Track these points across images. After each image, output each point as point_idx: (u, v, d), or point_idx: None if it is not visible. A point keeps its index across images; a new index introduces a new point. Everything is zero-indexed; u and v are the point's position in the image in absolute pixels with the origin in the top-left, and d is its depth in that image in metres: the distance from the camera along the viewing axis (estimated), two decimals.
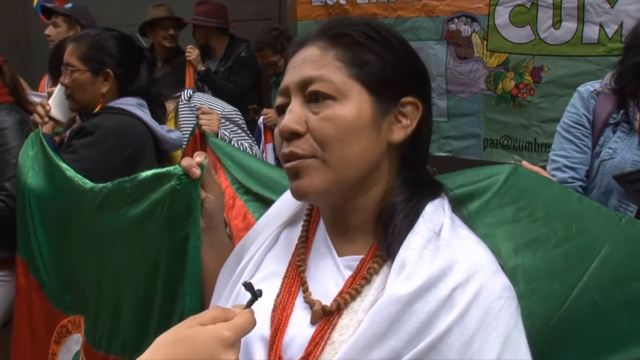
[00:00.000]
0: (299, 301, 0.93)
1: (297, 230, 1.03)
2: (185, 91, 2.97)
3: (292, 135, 0.89)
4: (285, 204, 1.08)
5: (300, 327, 0.90)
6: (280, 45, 3.97)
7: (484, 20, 3.22)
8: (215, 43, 4.36)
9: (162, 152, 2.16)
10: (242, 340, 0.84)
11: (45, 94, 2.67)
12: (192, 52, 4.05)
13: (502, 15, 3.16)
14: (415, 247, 0.86)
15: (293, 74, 0.93)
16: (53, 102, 2.10)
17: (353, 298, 0.88)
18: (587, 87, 1.91)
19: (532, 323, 0.85)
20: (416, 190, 0.93)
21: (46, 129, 2.03)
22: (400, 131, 0.92)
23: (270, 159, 3.69)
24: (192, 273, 1.14)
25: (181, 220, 1.14)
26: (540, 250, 1.04)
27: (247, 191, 1.46)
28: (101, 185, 1.35)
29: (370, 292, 0.88)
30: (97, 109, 2.05)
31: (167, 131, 2.18)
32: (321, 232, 0.99)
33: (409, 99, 0.93)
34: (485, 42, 3.25)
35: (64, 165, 1.53)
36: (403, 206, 0.91)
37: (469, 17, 3.28)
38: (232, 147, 1.67)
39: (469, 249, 0.87)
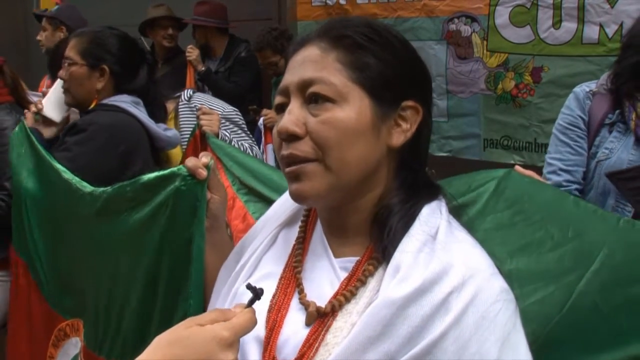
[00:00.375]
0: (295, 302, 0.93)
1: (295, 231, 1.03)
2: (186, 91, 2.97)
3: (291, 137, 0.89)
4: (284, 204, 1.08)
5: (294, 328, 0.90)
6: (280, 45, 3.97)
7: (484, 20, 3.22)
8: (215, 43, 4.36)
9: (158, 150, 2.16)
10: None
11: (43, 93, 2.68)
12: (192, 52, 4.06)
13: (502, 16, 3.16)
14: (410, 250, 0.85)
15: (293, 74, 0.92)
16: (47, 101, 2.11)
17: (348, 300, 0.88)
18: (583, 88, 1.91)
19: (528, 327, 0.85)
20: (413, 193, 0.93)
21: (29, 121, 2.01)
22: (399, 135, 0.92)
23: (271, 160, 3.68)
24: (196, 274, 1.14)
25: (185, 221, 1.13)
26: (535, 254, 1.04)
27: (248, 191, 1.46)
28: (101, 189, 1.33)
29: (365, 294, 0.87)
30: (91, 106, 2.06)
31: (164, 129, 2.18)
32: (318, 233, 0.99)
33: (409, 102, 0.92)
34: (485, 42, 3.25)
35: (59, 167, 1.50)
36: (399, 208, 0.91)
37: (469, 17, 3.28)
38: (232, 147, 1.67)
39: (466, 252, 0.87)
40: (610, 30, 2.83)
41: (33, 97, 2.66)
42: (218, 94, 3.81)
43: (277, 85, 4.11)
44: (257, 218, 1.34)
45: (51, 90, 2.14)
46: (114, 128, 1.98)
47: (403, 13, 3.48)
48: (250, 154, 2.44)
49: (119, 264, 1.30)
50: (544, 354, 0.92)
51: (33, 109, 2.09)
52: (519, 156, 3.21)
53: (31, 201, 1.65)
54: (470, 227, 0.95)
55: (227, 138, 2.23)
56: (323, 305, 0.89)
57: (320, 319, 0.88)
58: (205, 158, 1.13)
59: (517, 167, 1.18)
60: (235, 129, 2.81)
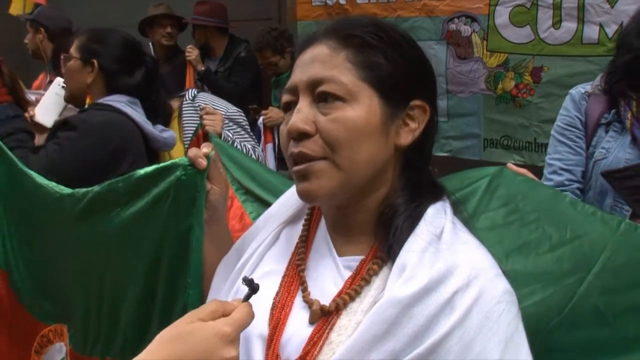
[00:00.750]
0: (298, 300, 0.93)
1: (298, 229, 1.02)
2: (190, 91, 2.97)
3: (301, 136, 0.89)
4: (287, 201, 1.08)
5: (298, 326, 0.90)
6: (280, 45, 3.97)
7: (484, 20, 3.22)
8: (215, 43, 4.36)
9: (153, 151, 2.15)
10: (241, 338, 0.84)
11: (42, 91, 2.68)
12: (192, 52, 4.06)
13: (502, 15, 3.15)
14: (416, 249, 0.86)
15: (302, 73, 0.92)
16: (40, 107, 2.14)
17: (352, 299, 0.88)
18: (579, 89, 1.92)
19: (528, 328, 0.85)
20: (418, 193, 0.93)
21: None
22: (407, 135, 0.92)
23: (270, 159, 3.68)
24: (194, 265, 1.14)
25: (185, 211, 1.13)
26: (532, 255, 1.03)
27: (246, 192, 1.46)
28: (84, 190, 1.30)
29: (369, 293, 0.88)
30: (86, 102, 2.08)
31: (161, 130, 2.17)
32: (322, 231, 0.99)
33: (417, 102, 0.92)
34: (485, 42, 3.25)
35: (32, 173, 1.45)
36: (404, 208, 0.91)
37: (469, 17, 3.28)
38: (234, 148, 1.67)
39: (470, 252, 0.87)
40: (610, 30, 2.83)
41: (31, 96, 2.67)
42: (217, 94, 3.80)
43: (276, 85, 4.13)
44: (255, 218, 1.34)
45: (44, 96, 2.17)
46: (105, 127, 1.98)
47: (403, 13, 3.47)
48: (253, 155, 2.44)
49: (110, 261, 1.28)
50: (544, 357, 0.92)
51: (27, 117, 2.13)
52: (519, 156, 3.21)
53: (6, 206, 1.59)
54: (471, 224, 0.95)
55: (230, 138, 2.23)
56: (327, 304, 0.89)
57: (324, 317, 0.88)
58: (205, 148, 1.13)
59: (510, 165, 1.17)
60: (239, 129, 2.81)
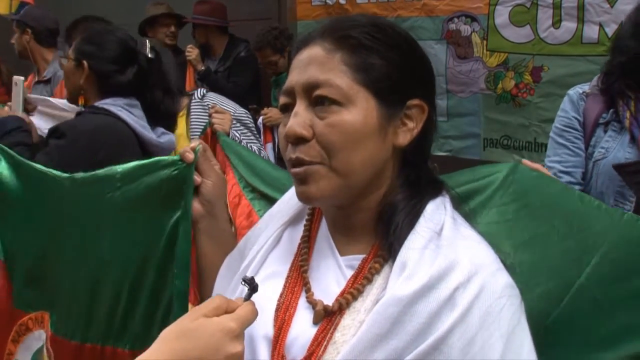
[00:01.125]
0: (302, 301, 0.94)
1: (300, 229, 1.03)
2: (199, 90, 2.98)
3: (298, 140, 0.89)
4: (288, 202, 1.08)
5: (303, 327, 0.91)
6: (280, 44, 3.97)
7: (484, 20, 3.22)
8: (215, 42, 4.36)
9: (150, 156, 2.14)
10: (247, 339, 0.84)
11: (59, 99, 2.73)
12: (192, 52, 4.05)
13: (502, 15, 3.15)
14: (416, 246, 0.86)
15: (299, 75, 0.91)
16: (36, 115, 2.25)
17: (355, 298, 0.88)
18: (577, 90, 1.92)
19: (529, 321, 0.86)
20: (417, 189, 0.93)
21: None
22: (406, 134, 0.92)
23: (270, 159, 3.68)
24: (181, 255, 1.17)
25: (174, 204, 1.18)
26: (539, 248, 1.04)
27: (253, 189, 1.46)
28: (81, 174, 1.34)
29: (372, 292, 0.88)
30: (80, 103, 2.10)
31: (160, 135, 2.15)
32: (323, 231, 0.99)
33: (415, 101, 0.92)
34: (485, 42, 3.24)
35: (30, 162, 1.48)
36: (404, 205, 0.91)
37: (469, 16, 3.28)
38: (242, 146, 1.67)
39: (471, 248, 0.87)
40: (610, 29, 2.83)
41: (30, 96, 2.68)
42: (217, 93, 3.81)
43: (276, 84, 4.13)
44: (260, 216, 1.35)
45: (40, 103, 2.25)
46: (95, 133, 1.97)
47: (403, 12, 3.47)
48: None
49: (101, 245, 1.31)
50: (544, 349, 0.92)
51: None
52: (518, 156, 3.21)
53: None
54: (475, 218, 0.95)
55: (237, 139, 2.23)
56: (330, 304, 0.89)
57: (327, 317, 0.89)
58: (193, 142, 1.17)
59: (525, 161, 1.18)
60: (245, 131, 2.81)
